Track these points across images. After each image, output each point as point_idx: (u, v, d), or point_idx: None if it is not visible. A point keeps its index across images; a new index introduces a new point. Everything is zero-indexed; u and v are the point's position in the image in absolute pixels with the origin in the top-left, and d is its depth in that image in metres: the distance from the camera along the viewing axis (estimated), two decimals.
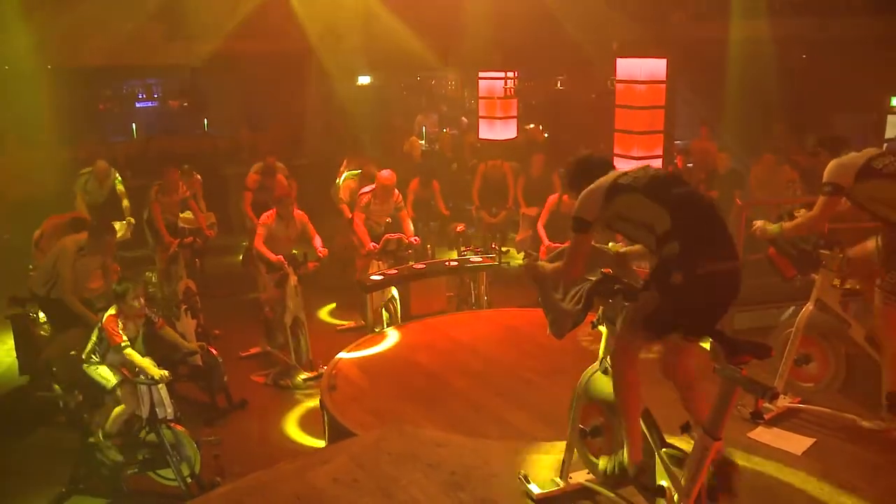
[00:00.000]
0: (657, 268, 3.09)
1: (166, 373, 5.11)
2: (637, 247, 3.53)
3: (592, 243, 3.48)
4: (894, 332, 4.08)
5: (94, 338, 5.28)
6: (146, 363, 5.09)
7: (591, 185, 3.31)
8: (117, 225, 8.39)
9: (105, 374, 5.20)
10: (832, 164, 4.14)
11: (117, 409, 5.20)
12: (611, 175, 3.32)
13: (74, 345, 5.49)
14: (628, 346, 3.27)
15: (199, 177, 9.72)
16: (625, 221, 3.26)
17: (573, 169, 3.54)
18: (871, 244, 4.28)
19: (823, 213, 4.17)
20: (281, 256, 7.01)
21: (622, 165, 3.77)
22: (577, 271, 3.44)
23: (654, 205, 3.11)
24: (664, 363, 3.33)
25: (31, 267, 7.38)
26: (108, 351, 5.21)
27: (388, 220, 8.20)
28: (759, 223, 4.52)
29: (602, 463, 3.51)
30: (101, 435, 5.18)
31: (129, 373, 5.14)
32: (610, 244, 3.76)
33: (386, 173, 7.92)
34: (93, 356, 5.24)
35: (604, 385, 3.47)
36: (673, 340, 3.27)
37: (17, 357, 6.91)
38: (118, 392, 5.16)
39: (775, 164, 9.17)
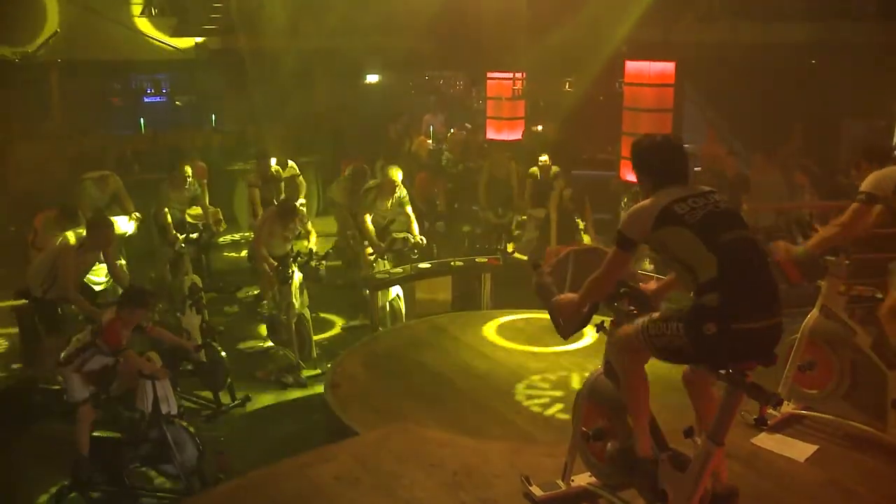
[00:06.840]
0: (691, 311, 2.92)
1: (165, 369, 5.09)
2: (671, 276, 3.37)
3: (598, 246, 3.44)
4: None
5: (82, 338, 5.07)
6: (145, 360, 5.05)
7: (646, 202, 3.11)
8: (126, 220, 8.37)
9: (77, 386, 5.00)
10: (872, 175, 4.09)
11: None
12: (668, 196, 3.05)
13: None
14: (637, 355, 3.23)
15: (202, 164, 9.74)
16: (668, 253, 3.08)
17: (634, 154, 3.29)
18: None
19: (855, 222, 4.07)
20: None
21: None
22: (609, 286, 3.31)
23: (702, 247, 2.92)
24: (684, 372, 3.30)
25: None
26: (95, 356, 5.01)
27: (393, 219, 8.21)
28: (780, 245, 4.36)
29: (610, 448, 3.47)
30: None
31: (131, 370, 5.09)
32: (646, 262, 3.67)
33: (392, 168, 8.03)
34: (73, 360, 4.99)
35: (607, 388, 3.46)
36: None
37: (22, 348, 6.92)
38: (80, 409, 4.99)
39: (766, 165, 9.12)
